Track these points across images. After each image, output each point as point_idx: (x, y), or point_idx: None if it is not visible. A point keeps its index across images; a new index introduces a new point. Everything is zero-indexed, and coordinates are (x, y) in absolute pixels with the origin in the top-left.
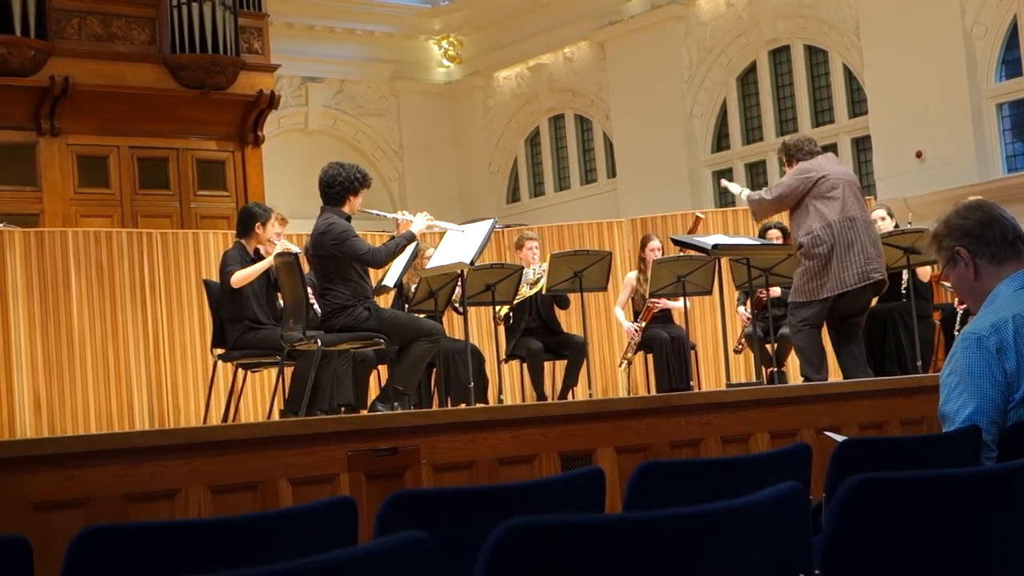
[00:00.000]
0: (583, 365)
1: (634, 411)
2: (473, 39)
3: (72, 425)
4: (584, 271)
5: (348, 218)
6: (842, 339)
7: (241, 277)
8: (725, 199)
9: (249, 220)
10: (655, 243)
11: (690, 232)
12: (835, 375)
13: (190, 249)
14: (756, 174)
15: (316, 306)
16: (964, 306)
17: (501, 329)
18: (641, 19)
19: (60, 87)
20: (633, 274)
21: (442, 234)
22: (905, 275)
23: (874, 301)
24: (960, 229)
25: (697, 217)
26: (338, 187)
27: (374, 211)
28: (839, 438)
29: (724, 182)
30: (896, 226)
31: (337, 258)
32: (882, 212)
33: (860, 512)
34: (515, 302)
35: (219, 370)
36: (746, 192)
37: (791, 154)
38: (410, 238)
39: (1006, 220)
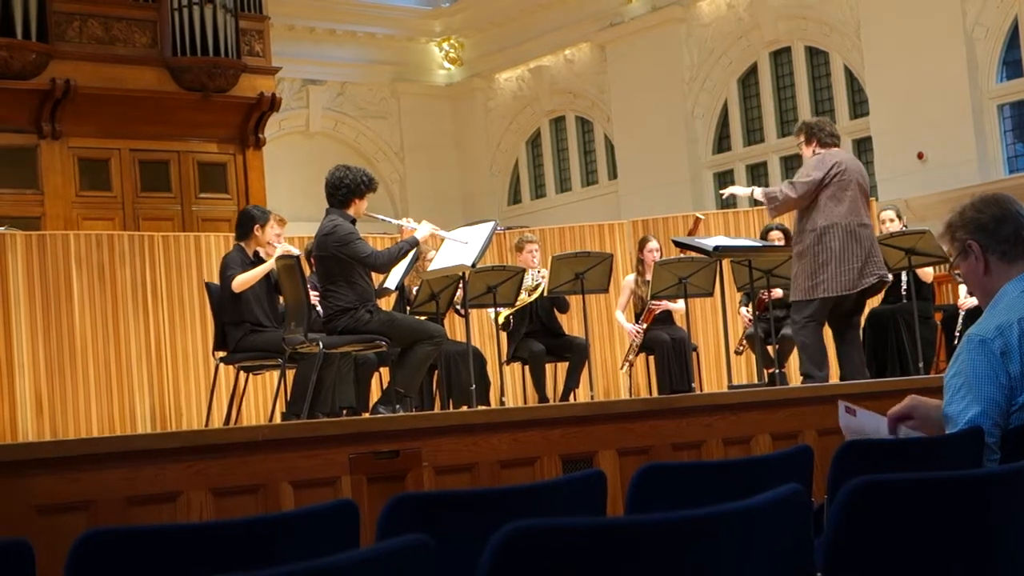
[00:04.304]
0: (585, 367)
1: (635, 413)
2: (474, 41)
3: (74, 428)
4: (585, 273)
5: (353, 221)
6: (842, 340)
7: (242, 281)
8: (726, 200)
9: (247, 223)
10: (653, 244)
11: (690, 233)
12: (835, 374)
13: (191, 252)
14: (757, 175)
15: (319, 307)
16: (966, 307)
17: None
18: (642, 21)
19: (61, 90)
20: (631, 276)
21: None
22: (906, 276)
23: (878, 301)
24: (974, 223)
25: (697, 218)
26: (344, 190)
27: (379, 216)
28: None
29: (727, 191)
30: (904, 227)
31: (340, 260)
32: (891, 213)
33: (862, 514)
34: (514, 308)
35: (221, 373)
36: (758, 190)
37: (812, 133)
38: (413, 244)
39: (1021, 217)
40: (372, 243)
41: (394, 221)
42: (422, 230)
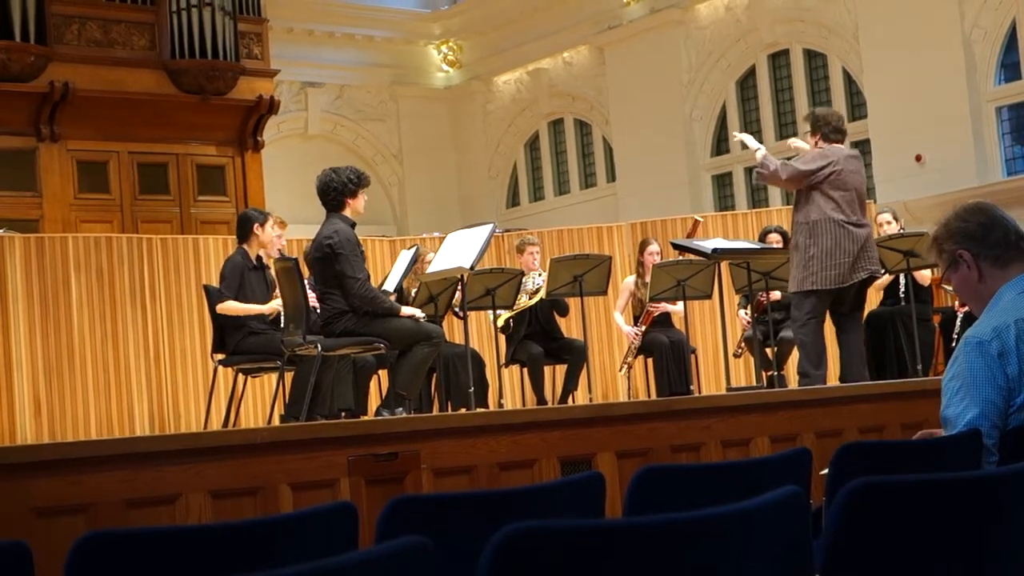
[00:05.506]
0: (583, 369)
1: (634, 415)
2: (472, 44)
3: (72, 431)
4: (584, 275)
5: (353, 225)
6: (844, 339)
7: (228, 308)
8: (724, 203)
9: (247, 224)
10: (654, 247)
11: (689, 235)
12: (833, 374)
13: (190, 254)
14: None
15: (318, 308)
16: (964, 309)
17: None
18: (640, 23)
19: (60, 92)
20: (631, 278)
21: (442, 239)
22: (904, 279)
23: (876, 302)
24: (961, 232)
25: (696, 221)
26: (334, 192)
27: (386, 291)
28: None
29: (738, 135)
30: (902, 229)
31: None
32: (888, 216)
33: (860, 516)
34: (514, 312)
35: (219, 375)
36: (763, 152)
37: (817, 126)
38: (394, 312)
39: (1007, 222)
40: (370, 243)
41: (396, 304)
42: (408, 310)
